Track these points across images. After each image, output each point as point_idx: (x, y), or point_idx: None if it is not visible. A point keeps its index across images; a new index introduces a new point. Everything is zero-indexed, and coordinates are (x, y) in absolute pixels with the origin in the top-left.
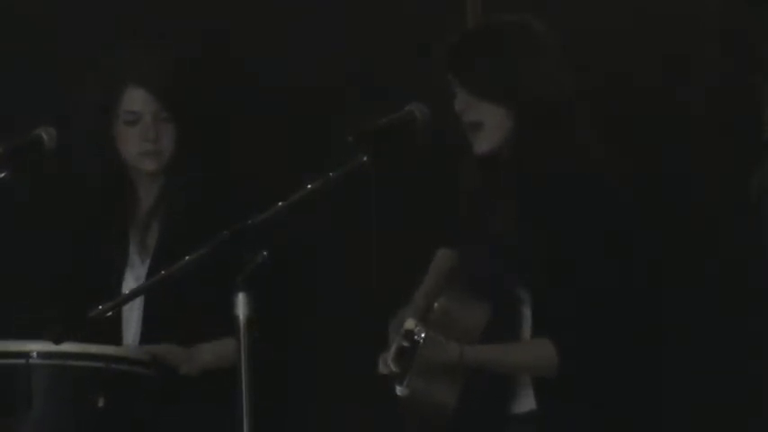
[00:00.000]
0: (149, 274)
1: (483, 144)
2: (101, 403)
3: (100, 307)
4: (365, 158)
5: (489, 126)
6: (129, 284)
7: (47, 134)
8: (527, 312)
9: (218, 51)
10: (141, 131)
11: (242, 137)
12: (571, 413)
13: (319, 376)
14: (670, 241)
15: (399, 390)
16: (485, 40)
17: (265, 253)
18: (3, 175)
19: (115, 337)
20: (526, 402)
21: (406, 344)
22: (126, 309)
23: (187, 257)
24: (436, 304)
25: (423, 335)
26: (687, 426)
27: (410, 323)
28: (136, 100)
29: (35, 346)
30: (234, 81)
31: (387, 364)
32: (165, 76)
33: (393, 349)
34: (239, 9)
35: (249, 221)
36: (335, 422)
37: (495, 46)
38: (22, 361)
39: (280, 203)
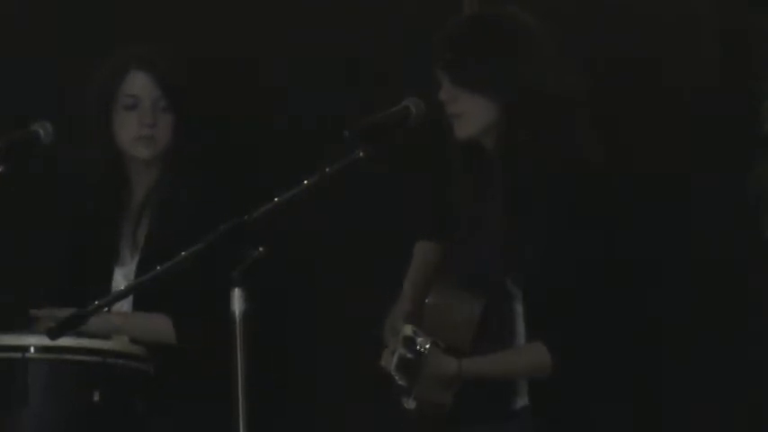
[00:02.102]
0: (138, 269)
1: (463, 130)
2: (96, 397)
3: (96, 302)
4: (361, 154)
5: (471, 115)
6: (118, 279)
7: (43, 129)
8: (519, 308)
9: (217, 51)
10: (139, 116)
11: (240, 135)
12: (564, 408)
13: (319, 377)
14: (669, 241)
15: (407, 402)
16: (474, 32)
17: (261, 248)
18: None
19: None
20: (522, 398)
21: (409, 355)
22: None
23: (183, 253)
24: (427, 300)
25: (427, 345)
26: (683, 422)
27: (408, 329)
28: (137, 84)
29: (32, 341)
30: (233, 80)
31: (391, 374)
32: (168, 64)
33: (395, 360)
34: (239, 8)
35: (245, 217)
36: (335, 422)
37: (484, 38)
38: (19, 355)
39: (276, 199)
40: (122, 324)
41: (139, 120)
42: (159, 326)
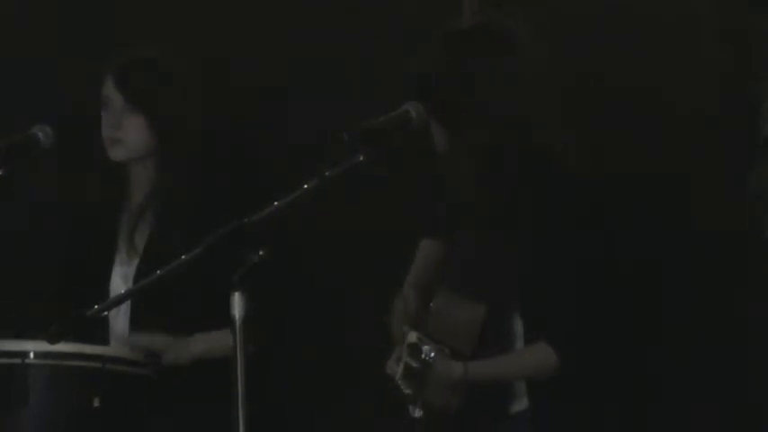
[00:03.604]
0: (137, 273)
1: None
2: (96, 403)
3: (96, 306)
4: (361, 158)
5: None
6: (116, 283)
7: (43, 133)
8: (517, 311)
9: (217, 51)
10: (107, 117)
11: (239, 135)
12: (563, 411)
13: (319, 377)
14: (669, 241)
15: (413, 411)
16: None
17: (261, 252)
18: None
19: (101, 335)
20: (520, 401)
21: (414, 364)
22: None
23: (183, 257)
24: (431, 305)
25: (432, 354)
26: (683, 422)
27: (413, 336)
28: (108, 86)
29: (32, 346)
30: (233, 80)
31: (396, 383)
32: (135, 69)
33: (401, 369)
34: (239, 9)
35: (245, 220)
36: (335, 422)
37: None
38: (19, 360)
39: (276, 203)
40: (202, 349)
41: (107, 121)
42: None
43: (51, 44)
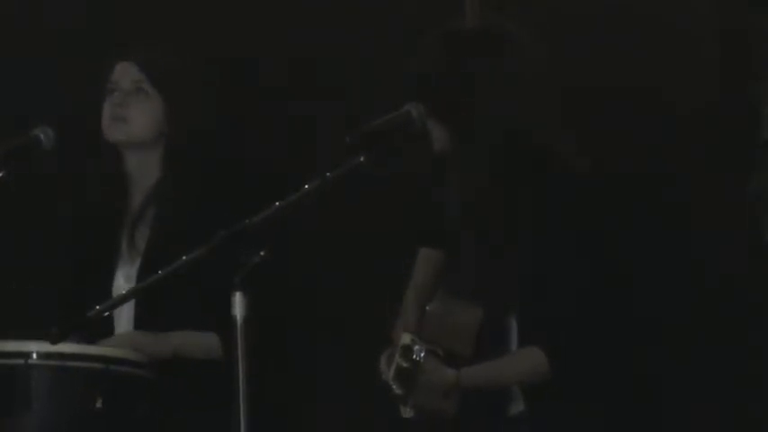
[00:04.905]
0: (140, 273)
1: (437, 145)
2: (99, 404)
3: (97, 307)
4: (362, 159)
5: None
6: (119, 282)
7: (44, 135)
8: (514, 315)
9: (217, 51)
10: (114, 98)
11: (240, 136)
12: (560, 413)
13: (319, 377)
14: (669, 241)
15: (404, 411)
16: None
17: (262, 253)
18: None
19: (106, 335)
20: (518, 403)
21: (405, 364)
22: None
23: (185, 257)
24: (428, 308)
25: (422, 354)
26: (683, 422)
27: (406, 338)
28: (117, 71)
29: (35, 347)
30: (233, 80)
31: (388, 382)
32: (156, 53)
33: (393, 369)
34: (239, 8)
35: (247, 221)
36: (335, 422)
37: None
38: (21, 361)
39: (277, 204)
40: (179, 345)
41: (114, 100)
42: (211, 344)
43: (51, 44)
